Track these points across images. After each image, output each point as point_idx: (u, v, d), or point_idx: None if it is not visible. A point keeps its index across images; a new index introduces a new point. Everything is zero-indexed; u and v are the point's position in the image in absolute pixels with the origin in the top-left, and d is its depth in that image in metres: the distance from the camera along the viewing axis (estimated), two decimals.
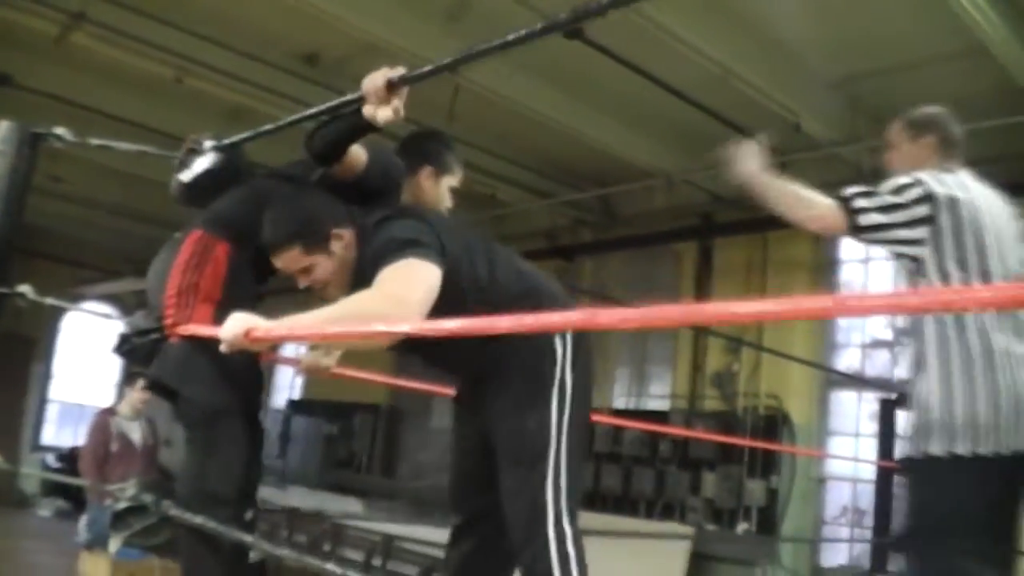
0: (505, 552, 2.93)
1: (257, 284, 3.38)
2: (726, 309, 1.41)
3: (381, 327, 2.39)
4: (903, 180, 3.14)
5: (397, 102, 2.75)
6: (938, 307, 1.97)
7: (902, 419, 7.95)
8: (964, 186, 3.17)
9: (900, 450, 3.23)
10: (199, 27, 7.74)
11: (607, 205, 11.57)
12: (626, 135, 9.15)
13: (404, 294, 2.58)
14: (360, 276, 2.79)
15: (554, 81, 8.25)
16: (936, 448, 2.93)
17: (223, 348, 2.60)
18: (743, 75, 7.38)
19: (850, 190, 3.14)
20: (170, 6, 7.51)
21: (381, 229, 2.82)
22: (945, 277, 3.03)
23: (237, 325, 2.54)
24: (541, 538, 2.69)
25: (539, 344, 2.82)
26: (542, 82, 8.24)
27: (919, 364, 3.07)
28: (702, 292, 10.36)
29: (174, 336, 3.11)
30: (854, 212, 3.09)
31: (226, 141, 3.35)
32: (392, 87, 2.69)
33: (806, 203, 3.17)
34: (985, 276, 3.02)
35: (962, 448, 2.88)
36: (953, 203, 3.07)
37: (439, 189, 3.37)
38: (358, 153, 3.12)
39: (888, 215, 3.07)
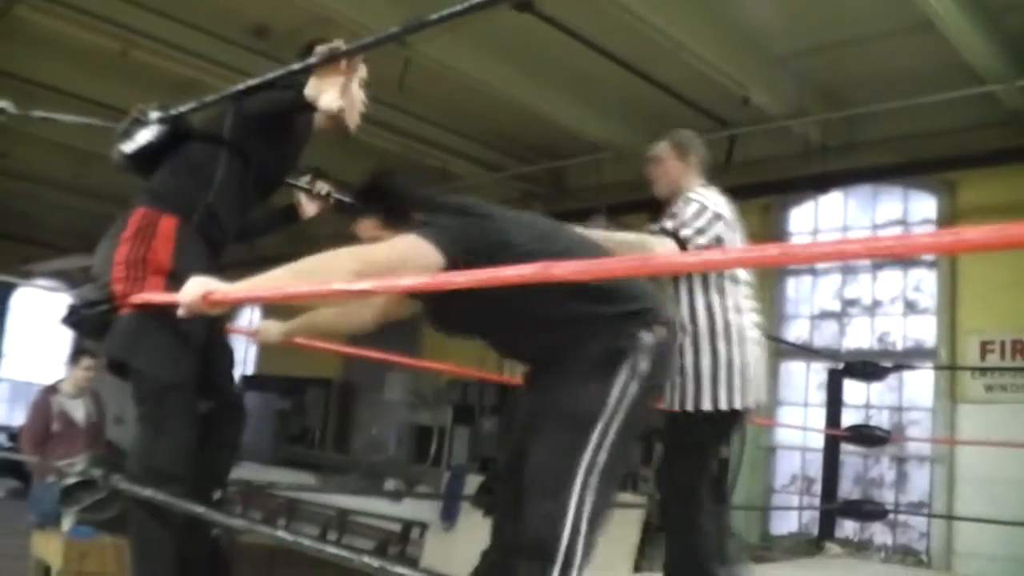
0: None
1: (213, 255, 3.32)
2: (673, 260, 1.46)
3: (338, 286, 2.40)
4: (699, 204, 3.78)
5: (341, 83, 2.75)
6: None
7: (850, 389, 8.09)
8: (726, 204, 3.87)
9: (670, 403, 3.76)
10: None
11: (557, 178, 11.59)
12: (576, 108, 9.15)
13: (373, 259, 2.58)
14: None
15: (505, 54, 8.22)
16: (706, 404, 3.68)
17: (181, 312, 2.58)
18: (694, 49, 7.40)
19: (669, 225, 3.74)
20: None
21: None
22: (719, 276, 3.76)
23: (195, 288, 2.53)
24: (560, 504, 2.53)
25: (622, 329, 2.70)
26: (493, 55, 8.20)
27: (695, 345, 3.72)
28: None
29: (125, 308, 3.05)
30: (686, 242, 3.67)
31: (172, 112, 3.32)
32: (342, 57, 2.69)
33: (640, 247, 3.68)
34: (733, 275, 3.82)
35: (709, 405, 3.68)
36: (733, 221, 3.80)
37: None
38: None
39: (703, 237, 3.70)
